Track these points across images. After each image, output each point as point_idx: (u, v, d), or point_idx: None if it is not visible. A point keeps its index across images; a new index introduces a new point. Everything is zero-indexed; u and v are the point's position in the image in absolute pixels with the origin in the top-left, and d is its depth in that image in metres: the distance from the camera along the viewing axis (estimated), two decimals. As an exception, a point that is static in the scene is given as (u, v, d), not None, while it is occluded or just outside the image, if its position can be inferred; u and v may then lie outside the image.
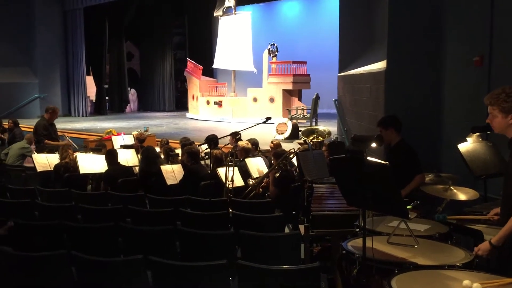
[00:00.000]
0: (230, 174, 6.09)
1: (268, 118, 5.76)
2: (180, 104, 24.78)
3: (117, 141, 9.93)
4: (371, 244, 2.77)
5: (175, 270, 3.06)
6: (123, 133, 11.14)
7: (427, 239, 3.16)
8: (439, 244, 3.09)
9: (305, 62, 17.51)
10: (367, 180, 2.58)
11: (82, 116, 20.96)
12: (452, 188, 3.84)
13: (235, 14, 18.61)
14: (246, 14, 18.83)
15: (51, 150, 8.13)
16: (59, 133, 10.44)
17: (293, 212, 5.47)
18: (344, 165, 2.74)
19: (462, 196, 3.77)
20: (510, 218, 2.77)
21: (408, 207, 2.72)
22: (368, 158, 2.54)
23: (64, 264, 3.26)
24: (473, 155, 4.12)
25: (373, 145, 2.74)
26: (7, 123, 11.99)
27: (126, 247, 4.21)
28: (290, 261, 3.90)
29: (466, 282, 2.33)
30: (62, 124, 16.51)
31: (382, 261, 2.75)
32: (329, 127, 11.69)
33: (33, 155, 7.84)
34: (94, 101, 22.95)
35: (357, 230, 3.48)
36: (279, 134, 12.99)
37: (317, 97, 14.61)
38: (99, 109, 22.52)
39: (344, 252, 3.00)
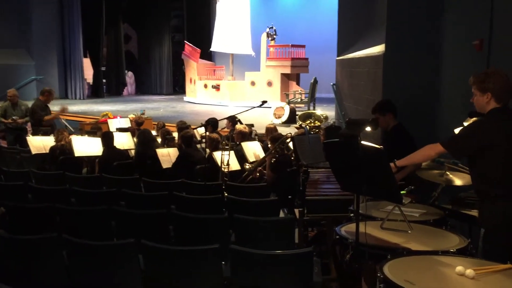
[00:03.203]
0: (226, 158, 6.07)
1: (264, 102, 5.68)
2: (178, 87, 24.66)
3: (113, 124, 9.86)
4: (364, 229, 2.74)
5: (167, 254, 3.03)
6: (119, 116, 11.06)
7: (421, 224, 3.14)
8: (434, 229, 3.06)
9: (303, 46, 17.38)
10: (361, 164, 2.53)
11: (79, 98, 20.85)
12: (448, 173, 3.80)
13: (234, -4, 18.42)
14: (245, -4, 18.63)
15: (45, 133, 8.07)
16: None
17: (289, 197, 5.46)
18: (338, 149, 2.69)
19: (458, 181, 3.72)
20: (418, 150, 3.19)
21: (402, 192, 2.68)
22: (363, 142, 2.49)
23: (54, 248, 3.22)
24: (470, 140, 4.06)
25: (368, 129, 2.68)
26: None
27: (119, 231, 4.18)
28: (284, 246, 3.88)
29: (459, 268, 2.30)
30: (58, 107, 16.40)
31: (375, 246, 2.72)
32: (327, 111, 11.66)
33: (27, 137, 7.78)
34: (91, 83, 22.80)
35: (351, 215, 3.45)
36: (276, 118, 12.93)
37: (315, 81, 14.51)
38: (96, 92, 22.39)
39: (337, 237, 2.97)
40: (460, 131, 3.17)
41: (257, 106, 5.79)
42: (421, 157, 3.28)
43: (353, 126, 2.54)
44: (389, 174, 2.50)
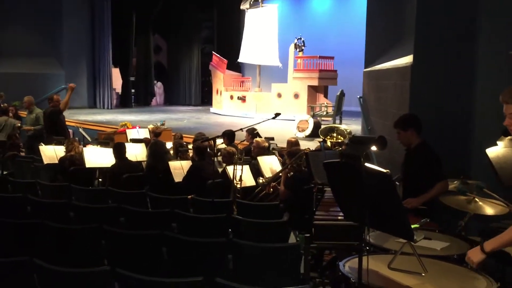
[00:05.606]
0: (239, 173, 5.69)
1: (277, 114, 5.31)
2: (207, 98, 24.54)
3: (132, 135, 9.64)
4: (372, 265, 2.31)
5: (143, 286, 2.66)
6: (138, 126, 10.86)
7: (443, 260, 2.67)
8: (456, 268, 2.58)
9: (332, 57, 16.91)
10: (364, 191, 2.11)
11: (107, 108, 20.90)
12: (477, 199, 3.31)
13: (262, 6, 18.17)
14: (273, 7, 18.34)
15: (59, 142, 7.89)
16: (75, 124, 10.26)
17: (306, 216, 5.04)
18: (338, 172, 2.27)
19: (489, 210, 3.23)
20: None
21: (414, 226, 2.24)
22: (367, 164, 2.07)
23: (26, 272, 2.90)
24: (503, 161, 3.57)
25: (373, 148, 2.26)
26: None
27: (110, 252, 3.85)
28: (287, 276, 3.47)
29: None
30: (83, 116, 16.51)
31: (382, 290, 2.28)
32: (353, 125, 11.16)
33: (40, 147, 7.60)
34: (120, 93, 22.89)
35: (363, 244, 3.01)
36: (300, 131, 12.50)
37: (342, 94, 14.03)
38: (124, 102, 22.45)
39: (340, 273, 2.54)
40: None
41: (271, 118, 5.42)
42: None
43: (356, 145, 2.12)
44: (397, 205, 2.06)
